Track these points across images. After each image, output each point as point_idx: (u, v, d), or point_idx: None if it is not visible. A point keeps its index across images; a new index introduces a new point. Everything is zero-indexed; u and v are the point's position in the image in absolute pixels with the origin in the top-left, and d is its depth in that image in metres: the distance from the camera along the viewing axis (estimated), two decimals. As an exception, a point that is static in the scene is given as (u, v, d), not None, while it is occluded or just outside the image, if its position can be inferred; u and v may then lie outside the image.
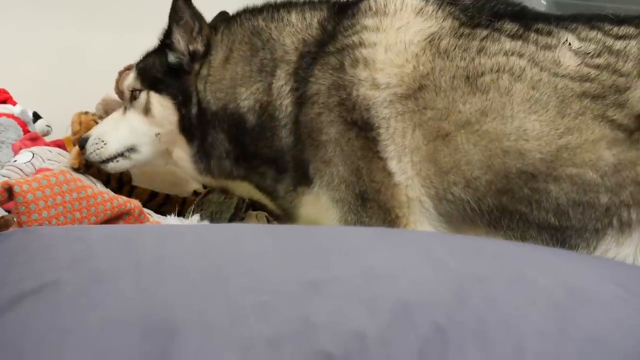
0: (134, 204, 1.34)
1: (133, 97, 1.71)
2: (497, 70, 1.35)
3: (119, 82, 2.01)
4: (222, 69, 1.65)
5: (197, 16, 1.70)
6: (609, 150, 1.27)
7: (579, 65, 1.32)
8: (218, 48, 1.68)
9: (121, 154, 1.70)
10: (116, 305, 0.82)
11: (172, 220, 1.66)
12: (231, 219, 1.84)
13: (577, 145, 1.28)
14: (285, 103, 1.56)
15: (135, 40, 2.21)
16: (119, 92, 2.01)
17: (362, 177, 1.44)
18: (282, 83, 1.57)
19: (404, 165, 1.40)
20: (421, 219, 1.41)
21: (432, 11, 1.47)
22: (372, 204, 1.44)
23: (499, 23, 1.42)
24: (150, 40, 2.15)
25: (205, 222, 1.71)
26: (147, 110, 1.69)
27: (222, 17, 1.81)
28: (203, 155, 1.69)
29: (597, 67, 1.31)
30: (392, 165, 1.41)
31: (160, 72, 1.72)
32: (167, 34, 1.72)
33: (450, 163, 1.36)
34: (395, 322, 0.82)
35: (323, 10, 1.61)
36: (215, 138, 1.66)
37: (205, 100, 1.67)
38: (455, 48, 1.40)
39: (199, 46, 1.69)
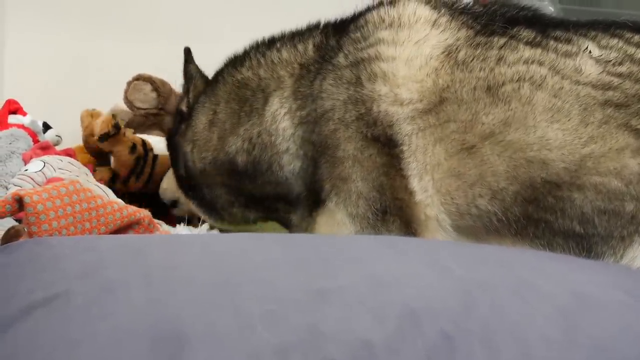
0: (144, 213, 1.34)
1: None
2: (518, 80, 1.33)
3: (127, 92, 2.03)
4: (208, 132, 1.67)
5: (187, 75, 1.76)
6: (633, 159, 1.24)
7: (600, 73, 1.30)
8: (200, 111, 1.70)
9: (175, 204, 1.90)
10: (126, 315, 0.82)
11: (181, 229, 1.66)
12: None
13: (601, 154, 1.26)
14: (282, 127, 1.54)
15: (142, 51, 2.24)
16: (128, 103, 2.02)
17: (385, 193, 1.42)
18: (276, 107, 1.55)
19: (425, 183, 1.38)
20: (435, 236, 1.39)
21: (446, 22, 1.45)
22: (394, 218, 1.42)
23: (515, 30, 1.40)
24: (156, 51, 2.17)
25: (215, 232, 1.72)
26: None
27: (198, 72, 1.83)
28: (209, 209, 1.74)
29: (620, 75, 1.29)
30: (414, 183, 1.38)
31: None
32: None
33: (475, 175, 1.33)
34: (402, 330, 0.82)
35: (316, 36, 1.60)
36: (212, 194, 1.70)
37: (192, 161, 1.70)
38: (473, 59, 1.38)
39: (184, 107, 1.74)
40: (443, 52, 1.41)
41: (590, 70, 1.31)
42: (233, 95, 1.64)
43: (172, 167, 1.82)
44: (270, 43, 1.66)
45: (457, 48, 1.40)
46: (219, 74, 1.71)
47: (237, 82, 1.65)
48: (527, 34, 1.38)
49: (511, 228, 1.33)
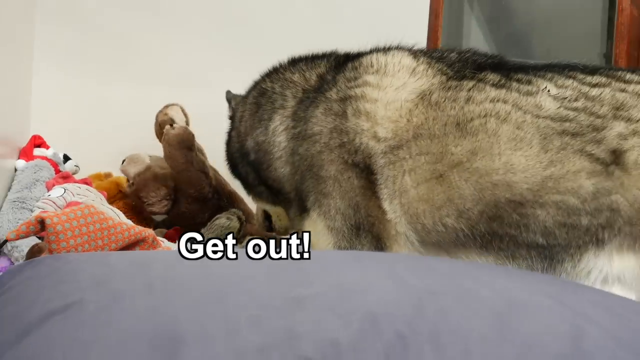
0: (148, 232, 1.34)
1: None
2: (485, 115, 1.33)
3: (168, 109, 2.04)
4: (239, 125, 1.72)
5: (227, 96, 1.85)
6: (588, 180, 1.25)
7: (558, 108, 1.31)
8: (239, 108, 1.76)
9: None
10: (131, 320, 0.82)
11: (180, 246, 1.66)
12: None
13: (560, 176, 1.26)
14: (278, 140, 1.57)
15: (148, 94, 2.25)
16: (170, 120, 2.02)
17: (360, 211, 1.42)
18: (277, 124, 1.58)
19: (394, 206, 1.38)
20: (404, 249, 1.39)
21: (424, 69, 1.46)
22: (366, 234, 1.42)
23: (483, 74, 1.40)
24: (161, 94, 2.18)
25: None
26: None
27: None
28: (245, 185, 1.80)
29: (575, 109, 1.30)
30: (386, 205, 1.39)
31: None
32: None
33: (443, 199, 1.33)
34: (364, 331, 0.82)
35: (320, 66, 1.62)
36: (244, 171, 1.75)
37: (231, 145, 1.78)
38: (445, 100, 1.38)
39: (230, 110, 1.82)
40: (418, 96, 1.41)
41: (549, 105, 1.31)
42: (256, 99, 1.69)
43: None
44: (292, 63, 1.69)
45: (430, 92, 1.41)
46: (255, 82, 1.75)
47: (261, 90, 1.69)
48: (493, 77, 1.39)
49: (477, 242, 1.33)
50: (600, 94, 1.31)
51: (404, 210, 1.37)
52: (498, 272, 1.09)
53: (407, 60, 1.49)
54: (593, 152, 1.26)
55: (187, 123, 2.04)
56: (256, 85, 1.72)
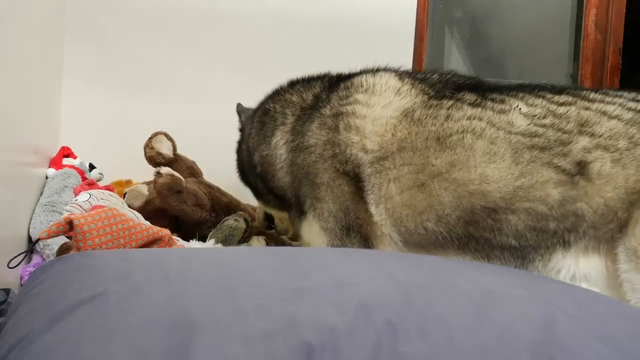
0: (165, 232, 1.34)
1: None
2: (462, 132, 1.33)
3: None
4: (248, 140, 1.71)
5: (238, 109, 1.83)
6: (555, 189, 1.25)
7: (528, 124, 1.30)
8: (247, 125, 1.75)
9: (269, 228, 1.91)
10: (150, 309, 0.82)
11: (194, 244, 1.66)
12: (239, 242, 1.83)
13: (530, 186, 1.26)
14: (279, 153, 1.56)
15: (164, 108, 2.26)
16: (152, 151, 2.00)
17: (349, 214, 1.42)
18: (278, 139, 1.57)
19: (380, 210, 1.38)
20: (389, 248, 1.39)
21: (407, 90, 1.45)
22: (355, 234, 1.42)
23: (461, 94, 1.40)
24: (176, 108, 2.19)
25: (219, 246, 1.72)
26: None
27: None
28: (255, 192, 1.77)
29: (544, 125, 1.29)
30: (372, 209, 1.39)
31: None
32: None
33: (424, 205, 1.33)
34: (358, 319, 0.82)
35: (316, 87, 1.61)
36: (253, 181, 1.72)
37: (241, 158, 1.77)
38: (426, 117, 1.38)
39: (240, 125, 1.81)
40: (402, 113, 1.41)
41: (520, 122, 1.31)
42: (260, 119, 1.67)
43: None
44: (291, 85, 1.68)
45: (413, 110, 1.40)
46: (260, 103, 1.74)
47: (264, 110, 1.67)
48: (470, 97, 1.39)
49: (454, 244, 1.32)
50: (567, 112, 1.30)
51: (389, 214, 1.37)
52: (477, 268, 1.09)
53: (393, 81, 1.49)
54: (560, 164, 1.26)
55: (174, 148, 2.02)
56: (261, 105, 1.71)
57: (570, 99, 1.33)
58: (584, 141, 1.26)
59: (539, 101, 1.35)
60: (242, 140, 1.78)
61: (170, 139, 2.02)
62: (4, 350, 0.81)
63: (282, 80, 1.70)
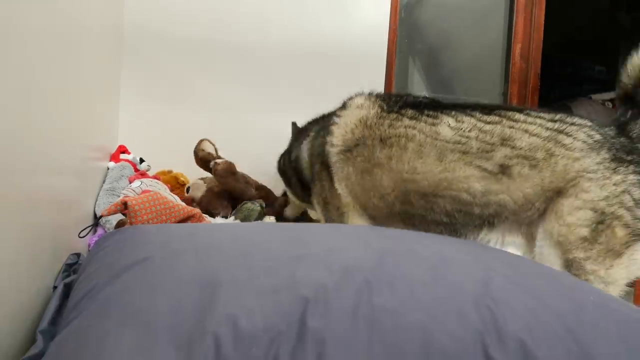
0: (196, 211, 1.32)
1: None
2: (399, 136, 1.32)
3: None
4: (291, 147, 1.71)
5: (292, 128, 1.80)
6: (478, 183, 1.21)
7: (454, 135, 1.26)
8: (291, 140, 1.76)
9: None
10: (184, 270, 0.81)
11: (219, 220, 1.64)
12: (256, 220, 1.81)
13: (452, 179, 1.23)
14: (303, 156, 1.59)
15: (202, 117, 2.22)
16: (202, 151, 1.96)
17: (325, 191, 1.45)
18: (305, 146, 1.60)
19: (342, 187, 1.40)
20: (357, 216, 1.40)
21: (367, 106, 1.43)
22: (332, 206, 1.44)
23: (404, 110, 1.37)
24: (219, 119, 2.16)
25: (238, 222, 1.70)
26: None
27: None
28: (290, 187, 1.74)
29: (468, 137, 1.25)
30: (338, 186, 1.41)
31: None
32: None
33: (370, 186, 1.34)
34: (343, 278, 0.81)
35: (324, 115, 1.62)
36: (288, 176, 1.71)
37: (283, 160, 1.75)
38: (376, 124, 1.37)
39: (291, 138, 1.78)
40: (359, 120, 1.40)
41: (446, 133, 1.27)
42: (298, 134, 1.70)
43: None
44: (317, 116, 1.67)
45: (367, 118, 1.39)
46: (301, 125, 1.73)
47: (302, 129, 1.69)
48: (410, 112, 1.36)
49: (397, 217, 1.32)
50: (492, 129, 1.24)
51: (349, 190, 1.39)
52: (432, 237, 1.08)
53: (361, 100, 1.47)
54: (482, 165, 1.21)
55: (216, 149, 1.98)
56: (302, 127, 1.72)
57: (497, 118, 1.27)
58: (505, 151, 1.21)
59: (467, 118, 1.28)
60: (288, 147, 1.77)
61: (212, 144, 1.99)
62: (77, 298, 0.81)
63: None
